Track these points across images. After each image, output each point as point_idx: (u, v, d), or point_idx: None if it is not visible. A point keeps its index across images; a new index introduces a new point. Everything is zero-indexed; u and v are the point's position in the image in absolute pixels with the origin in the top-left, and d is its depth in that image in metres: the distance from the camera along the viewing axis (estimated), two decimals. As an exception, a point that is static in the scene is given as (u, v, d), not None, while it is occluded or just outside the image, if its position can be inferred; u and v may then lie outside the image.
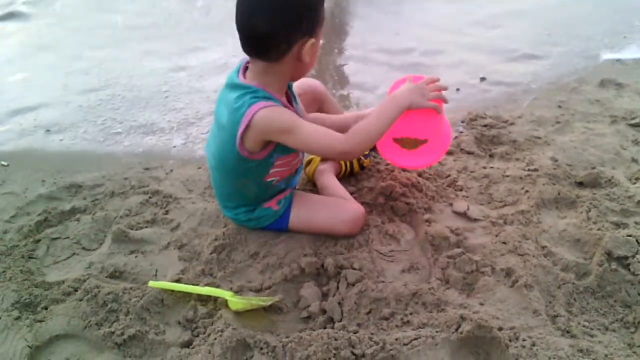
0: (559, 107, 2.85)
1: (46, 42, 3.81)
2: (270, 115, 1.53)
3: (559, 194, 2.07)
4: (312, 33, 1.53)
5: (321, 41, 1.64)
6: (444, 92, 1.78)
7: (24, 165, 2.36)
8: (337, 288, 1.65)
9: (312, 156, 2.19)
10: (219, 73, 3.22)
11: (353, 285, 1.63)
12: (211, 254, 1.77)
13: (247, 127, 1.52)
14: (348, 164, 2.16)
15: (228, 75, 1.68)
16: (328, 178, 2.08)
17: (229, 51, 3.55)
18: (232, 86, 1.62)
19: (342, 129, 1.65)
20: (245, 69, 1.65)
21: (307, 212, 1.83)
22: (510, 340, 1.42)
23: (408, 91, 1.68)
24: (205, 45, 3.76)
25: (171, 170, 2.31)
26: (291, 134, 1.55)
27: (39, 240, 1.87)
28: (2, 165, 2.36)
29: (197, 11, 4.43)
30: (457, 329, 1.44)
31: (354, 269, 1.69)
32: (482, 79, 3.26)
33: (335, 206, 1.87)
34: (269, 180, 1.73)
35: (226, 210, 1.88)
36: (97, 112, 2.87)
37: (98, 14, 4.35)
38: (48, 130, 2.66)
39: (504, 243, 1.82)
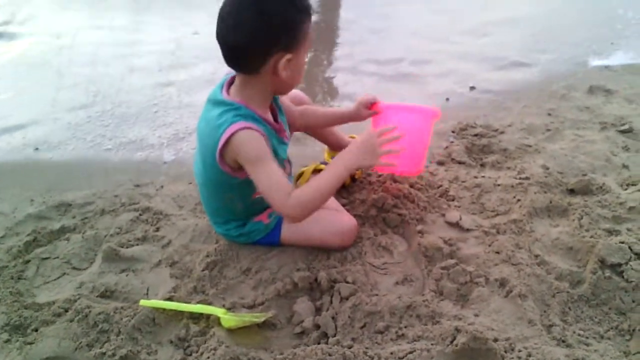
0: (549, 114, 2.87)
1: (34, 60, 3.79)
2: (245, 138, 1.50)
3: (550, 202, 2.07)
4: (289, 48, 1.51)
5: (305, 59, 1.63)
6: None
7: (13, 184, 2.33)
8: (331, 302, 1.63)
9: (303, 169, 2.19)
10: (208, 87, 3.21)
11: (347, 299, 1.62)
12: (203, 270, 1.75)
13: (225, 144, 1.50)
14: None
15: (212, 91, 1.66)
16: None
17: (217, 65, 3.55)
18: (214, 102, 1.60)
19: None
20: (230, 84, 1.64)
21: (299, 226, 1.81)
22: (505, 352, 1.41)
23: (357, 150, 1.63)
24: (194, 61, 3.76)
25: (162, 187, 2.29)
26: (252, 166, 1.52)
27: (28, 261, 1.85)
28: (-10, 184, 2.34)
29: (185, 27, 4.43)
30: (452, 341, 1.43)
31: (347, 282, 1.68)
32: (472, 87, 3.28)
33: (328, 219, 1.85)
34: (256, 197, 1.71)
35: (217, 226, 1.86)
36: (86, 129, 2.84)
37: (85, 31, 4.35)
38: (37, 149, 2.64)
39: (497, 253, 1.82)
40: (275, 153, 1.62)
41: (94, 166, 2.51)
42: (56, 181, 2.37)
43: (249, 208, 1.77)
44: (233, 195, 1.72)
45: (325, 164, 2.16)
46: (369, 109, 1.94)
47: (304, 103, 2.08)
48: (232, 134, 1.49)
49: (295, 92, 2.05)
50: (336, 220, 1.86)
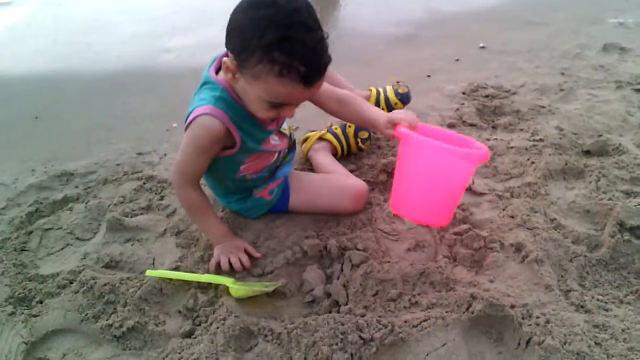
0: (562, 74, 2.78)
1: (32, 28, 3.70)
2: (200, 124, 1.42)
3: (566, 164, 2.01)
4: (238, 61, 1.33)
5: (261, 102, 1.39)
6: None
7: (13, 155, 2.28)
8: (342, 270, 1.59)
9: (308, 134, 2.13)
10: (210, 52, 3.13)
11: (358, 266, 1.57)
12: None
13: (187, 127, 1.46)
14: (345, 145, 2.09)
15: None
16: (323, 155, 2.02)
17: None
18: (202, 82, 1.52)
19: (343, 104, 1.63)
20: (219, 66, 1.50)
21: (307, 193, 1.77)
22: (523, 318, 1.37)
23: (222, 244, 1.63)
24: (193, 25, 3.66)
25: (165, 155, 2.24)
26: (183, 144, 1.49)
27: (31, 232, 1.81)
28: (-10, 155, 2.29)
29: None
30: (467, 309, 1.38)
31: (358, 249, 1.63)
32: (482, 47, 3.17)
33: (337, 184, 1.81)
34: (241, 175, 1.64)
35: (219, 198, 1.82)
36: (86, 97, 2.78)
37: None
38: (37, 117, 2.58)
39: (512, 217, 1.76)
40: (243, 142, 1.50)
41: (95, 134, 2.45)
42: (57, 151, 2.32)
43: (240, 184, 1.71)
44: (219, 174, 1.67)
45: (331, 131, 2.09)
46: (394, 128, 1.49)
47: (340, 85, 1.92)
48: (195, 117, 1.42)
49: (331, 72, 1.82)
50: (345, 184, 1.81)
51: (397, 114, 1.51)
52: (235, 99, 1.45)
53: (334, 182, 1.82)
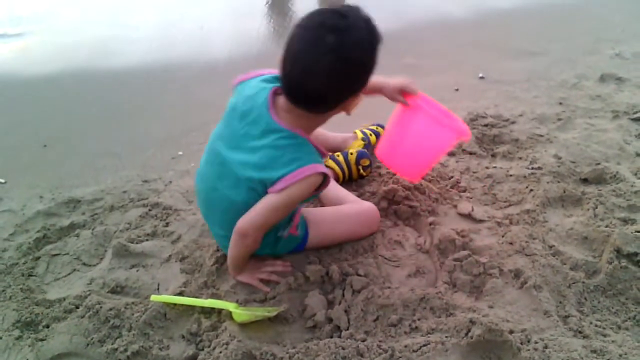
0: (560, 103, 2.83)
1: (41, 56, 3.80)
2: (311, 183, 1.46)
3: (564, 191, 2.04)
4: (363, 88, 1.45)
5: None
6: None
7: (21, 182, 2.33)
8: (343, 295, 1.61)
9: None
10: (212, 80, 3.20)
11: (359, 292, 1.60)
12: (213, 265, 1.73)
13: (296, 182, 1.42)
14: (347, 172, 2.13)
15: (244, 102, 1.52)
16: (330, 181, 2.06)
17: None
18: (268, 130, 1.46)
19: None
20: (273, 95, 1.50)
21: (325, 227, 1.79)
22: (522, 344, 1.39)
23: (245, 275, 1.67)
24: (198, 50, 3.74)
25: (170, 182, 2.28)
26: (278, 195, 1.44)
27: (38, 258, 1.84)
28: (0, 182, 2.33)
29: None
30: (467, 334, 1.41)
31: (359, 275, 1.66)
32: (481, 77, 3.24)
33: (352, 213, 1.85)
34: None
35: None
36: (94, 125, 2.84)
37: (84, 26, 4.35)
38: (45, 146, 2.63)
39: (511, 244, 1.79)
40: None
41: (102, 162, 2.50)
42: (64, 178, 2.36)
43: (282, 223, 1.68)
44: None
45: (334, 158, 2.13)
46: (402, 96, 1.72)
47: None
48: (309, 175, 1.43)
49: None
50: (359, 211, 1.86)
51: (405, 83, 1.71)
52: (313, 143, 1.51)
53: (348, 211, 1.86)
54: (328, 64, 1.31)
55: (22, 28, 4.30)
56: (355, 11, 1.37)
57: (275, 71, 1.57)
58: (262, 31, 3.99)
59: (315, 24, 1.34)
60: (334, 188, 2.02)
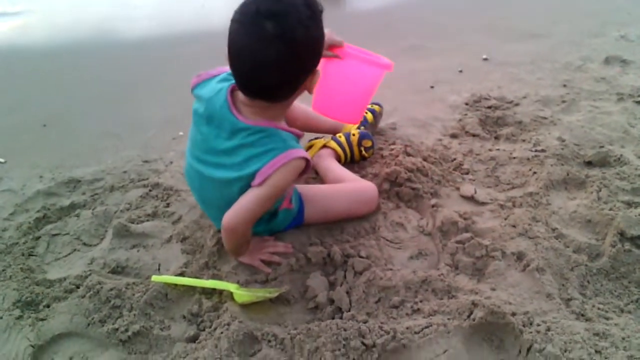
0: (564, 86, 2.81)
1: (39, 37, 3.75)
2: (292, 168, 1.43)
3: (567, 174, 2.03)
4: (317, 64, 1.42)
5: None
6: None
7: (22, 162, 2.31)
8: (345, 277, 1.61)
9: (312, 141, 2.15)
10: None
11: (361, 273, 1.59)
12: (214, 246, 1.72)
13: (275, 171, 1.39)
14: (349, 153, 2.12)
15: (205, 107, 1.49)
16: (329, 161, 2.05)
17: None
18: (235, 130, 1.43)
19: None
20: (232, 93, 1.47)
21: (322, 204, 1.78)
22: (524, 326, 1.38)
23: (247, 257, 1.65)
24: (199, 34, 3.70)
25: (171, 162, 2.26)
26: (263, 186, 1.41)
27: (38, 238, 1.83)
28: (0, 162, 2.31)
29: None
30: (469, 316, 1.40)
31: (361, 257, 1.65)
32: (485, 59, 3.20)
33: (350, 189, 1.85)
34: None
35: None
36: (94, 104, 2.81)
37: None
38: (45, 125, 2.61)
39: (514, 226, 1.78)
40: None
41: (103, 142, 2.48)
42: (65, 158, 2.34)
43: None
44: None
45: (336, 139, 2.12)
46: (329, 50, 1.65)
47: None
48: (287, 162, 1.40)
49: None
50: (358, 188, 1.85)
51: (329, 38, 1.56)
52: (284, 128, 1.47)
53: (346, 189, 1.85)
54: (276, 54, 1.27)
55: (22, 6, 4.25)
56: None
57: (227, 69, 1.53)
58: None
59: (250, 13, 1.28)
60: (335, 168, 2.01)
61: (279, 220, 1.72)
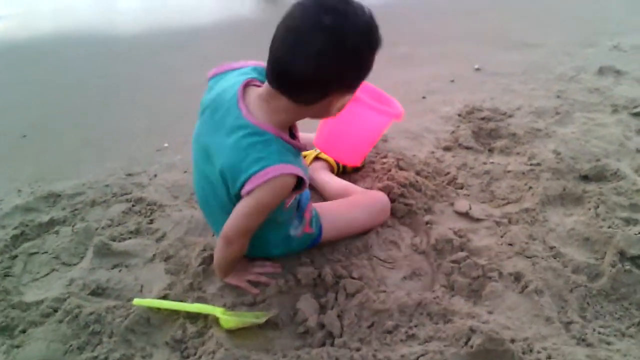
0: (558, 97, 2.77)
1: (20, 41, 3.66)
2: (279, 185, 1.32)
3: (564, 189, 1.98)
4: (351, 88, 1.35)
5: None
6: None
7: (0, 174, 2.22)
8: (336, 299, 1.53)
9: (305, 152, 2.09)
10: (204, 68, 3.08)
11: (353, 295, 1.52)
12: (199, 265, 1.65)
13: (262, 184, 1.29)
14: (341, 164, 2.06)
15: (214, 98, 1.42)
16: (325, 174, 2.00)
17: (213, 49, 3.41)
18: (236, 127, 1.34)
19: None
20: (245, 87, 1.39)
21: (340, 220, 1.72)
22: (524, 353, 1.33)
23: (232, 277, 1.59)
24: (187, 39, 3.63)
25: (155, 176, 2.18)
26: (250, 202, 1.33)
27: (15, 256, 1.74)
28: (-23, 175, 2.22)
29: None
30: (466, 343, 1.34)
31: (353, 278, 1.59)
32: (477, 69, 3.16)
33: (364, 203, 1.81)
34: (289, 205, 1.51)
35: (257, 250, 1.62)
36: (75, 113, 2.73)
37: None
38: (25, 135, 2.52)
39: (510, 245, 1.73)
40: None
41: (84, 153, 2.39)
42: (45, 170, 2.25)
43: (286, 216, 1.58)
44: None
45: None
46: None
47: None
48: (276, 176, 1.29)
49: None
50: (371, 200, 1.82)
51: None
52: (285, 139, 1.37)
53: (360, 202, 1.80)
54: (320, 43, 1.19)
55: (1, 10, 4.15)
56: (360, 4, 1.25)
57: (253, 63, 1.48)
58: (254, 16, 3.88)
59: (314, 2, 1.22)
60: (334, 180, 1.97)
61: (297, 243, 1.65)
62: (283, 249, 1.65)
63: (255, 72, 1.44)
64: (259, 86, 1.40)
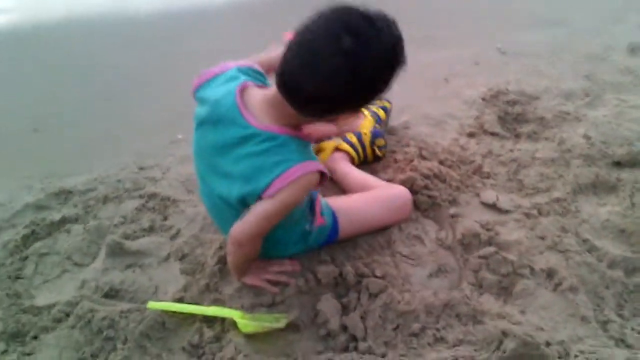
0: (587, 78, 2.64)
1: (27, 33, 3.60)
2: (306, 182, 1.28)
3: (596, 177, 1.88)
4: (362, 107, 1.29)
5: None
6: None
7: (10, 171, 2.17)
8: (359, 299, 1.46)
9: (322, 144, 2.00)
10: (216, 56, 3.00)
11: (376, 296, 1.45)
12: (216, 264, 1.58)
13: (287, 185, 1.24)
14: (362, 153, 1.98)
15: (210, 110, 1.34)
16: (345, 165, 1.92)
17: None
18: (245, 137, 1.28)
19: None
20: (241, 93, 1.32)
21: (356, 215, 1.64)
22: (560, 357, 1.25)
23: (250, 277, 1.51)
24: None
25: (168, 169, 2.11)
26: (272, 201, 1.26)
27: (26, 258, 1.69)
28: (-14, 171, 2.18)
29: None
30: (498, 347, 1.26)
31: (376, 276, 1.50)
32: (500, 49, 3.03)
33: (383, 197, 1.72)
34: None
35: (274, 250, 1.56)
36: (87, 106, 2.67)
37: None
38: (35, 130, 2.46)
39: (542, 238, 1.64)
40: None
41: (96, 147, 2.33)
42: (56, 165, 2.19)
43: (301, 212, 1.51)
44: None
45: (347, 140, 1.97)
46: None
47: None
48: (301, 176, 1.25)
49: None
50: (392, 195, 1.72)
51: None
52: (299, 135, 1.31)
53: (379, 196, 1.71)
54: (334, 67, 1.12)
55: (7, 3, 4.08)
56: (387, 22, 1.16)
57: (232, 64, 1.41)
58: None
59: (338, 18, 1.14)
60: (354, 173, 1.88)
61: (314, 238, 1.58)
62: (301, 246, 1.58)
63: (242, 74, 1.38)
64: (259, 87, 1.35)
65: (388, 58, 1.17)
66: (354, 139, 1.98)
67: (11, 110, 2.68)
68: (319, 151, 1.99)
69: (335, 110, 1.23)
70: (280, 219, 1.33)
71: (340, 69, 1.11)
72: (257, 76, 1.43)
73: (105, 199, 1.94)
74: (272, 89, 1.27)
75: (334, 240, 1.64)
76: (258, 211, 1.29)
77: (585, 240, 1.63)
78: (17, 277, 1.63)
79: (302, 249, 1.59)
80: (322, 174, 1.32)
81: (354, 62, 1.11)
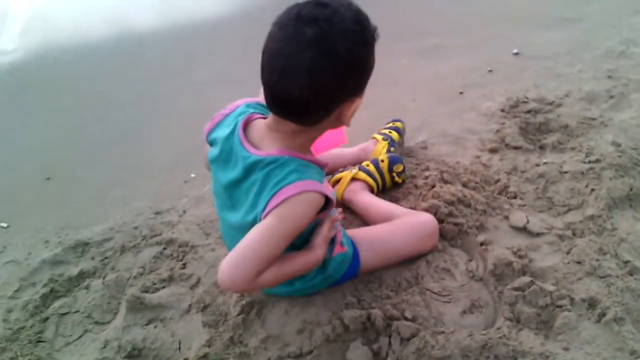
0: (609, 77, 2.53)
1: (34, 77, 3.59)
2: (307, 202, 1.17)
3: (630, 189, 1.79)
4: (359, 91, 1.21)
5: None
6: None
7: (25, 224, 2.14)
8: (390, 345, 1.39)
9: (338, 175, 1.94)
10: (226, 86, 2.95)
11: (408, 340, 1.38)
12: (239, 315, 1.52)
13: (287, 199, 1.15)
14: (380, 182, 1.90)
15: (220, 149, 1.31)
16: (366, 195, 1.85)
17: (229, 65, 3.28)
18: (248, 168, 1.23)
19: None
20: (244, 126, 1.29)
21: (379, 246, 1.57)
22: (611, 400, 1.16)
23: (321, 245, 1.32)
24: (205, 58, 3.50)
25: (184, 212, 2.06)
26: (273, 222, 1.15)
27: (47, 319, 1.66)
28: (2, 227, 2.14)
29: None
30: (544, 392, 1.18)
31: (406, 318, 1.43)
32: (515, 53, 2.93)
33: (407, 226, 1.64)
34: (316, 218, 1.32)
35: (283, 287, 1.47)
36: (97, 149, 2.64)
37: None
38: (48, 178, 2.44)
39: (579, 263, 1.55)
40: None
41: (109, 193, 2.28)
42: (70, 216, 2.16)
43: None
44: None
45: (364, 169, 1.90)
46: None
47: None
48: (305, 191, 1.16)
49: None
50: (417, 223, 1.65)
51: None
52: (303, 157, 1.25)
53: (403, 226, 1.64)
54: (308, 60, 1.07)
55: (16, 44, 4.08)
56: (339, 0, 1.12)
57: (242, 101, 1.38)
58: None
59: (291, 17, 1.11)
60: (377, 202, 1.81)
61: (334, 267, 1.50)
62: (321, 275, 1.49)
63: (250, 108, 1.34)
64: (265, 118, 1.30)
65: (356, 31, 1.12)
66: (371, 167, 1.91)
67: (22, 159, 2.65)
68: (335, 183, 1.93)
69: (333, 103, 1.17)
70: (285, 244, 1.18)
71: (315, 59, 1.07)
72: (265, 110, 1.38)
73: (123, 249, 1.89)
74: (271, 114, 1.24)
75: (357, 273, 1.57)
76: (251, 237, 1.14)
77: (625, 262, 1.54)
78: (39, 341, 1.59)
79: (323, 278, 1.50)
80: (327, 199, 1.23)
81: (324, 46, 1.07)
